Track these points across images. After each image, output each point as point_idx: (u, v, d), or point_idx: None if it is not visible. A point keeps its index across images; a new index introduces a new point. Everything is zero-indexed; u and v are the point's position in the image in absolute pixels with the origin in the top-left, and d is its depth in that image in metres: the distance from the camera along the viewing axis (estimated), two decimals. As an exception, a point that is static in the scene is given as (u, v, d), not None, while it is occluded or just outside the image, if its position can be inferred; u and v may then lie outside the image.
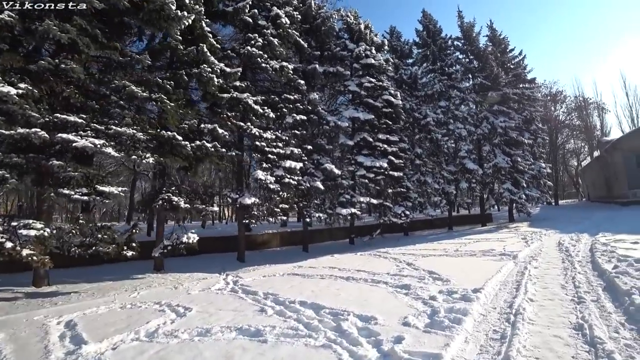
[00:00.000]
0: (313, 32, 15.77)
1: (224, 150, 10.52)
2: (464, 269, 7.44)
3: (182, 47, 9.97)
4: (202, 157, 10.32)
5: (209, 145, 10.11)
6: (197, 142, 10.03)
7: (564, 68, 78.23)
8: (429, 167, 19.19)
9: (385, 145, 15.46)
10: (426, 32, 22.98)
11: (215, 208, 10.71)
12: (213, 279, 8.69)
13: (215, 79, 10.39)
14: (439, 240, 14.21)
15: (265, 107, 12.09)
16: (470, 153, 19.76)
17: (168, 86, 9.36)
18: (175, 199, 9.68)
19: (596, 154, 39.12)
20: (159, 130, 9.28)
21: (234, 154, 11.41)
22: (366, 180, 14.76)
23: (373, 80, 15.51)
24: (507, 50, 25.47)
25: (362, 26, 16.57)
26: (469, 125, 20.42)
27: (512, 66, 25.13)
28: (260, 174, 11.35)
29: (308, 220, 14.45)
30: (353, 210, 14.15)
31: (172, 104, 9.30)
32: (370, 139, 15.23)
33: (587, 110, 41.11)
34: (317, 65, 14.47)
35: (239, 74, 11.22)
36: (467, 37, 23.64)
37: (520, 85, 24.50)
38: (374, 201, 15.01)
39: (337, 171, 13.75)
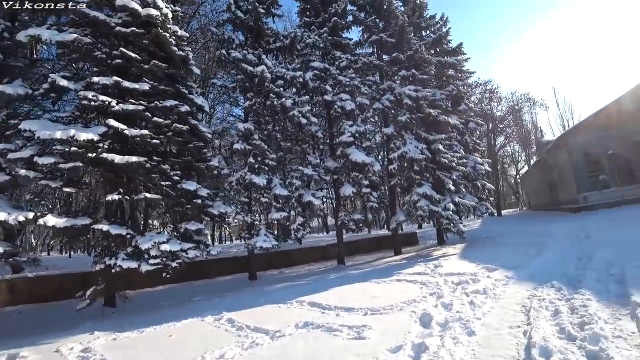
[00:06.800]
0: None
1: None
2: None
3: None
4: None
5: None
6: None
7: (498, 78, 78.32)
8: (269, 160, 10.33)
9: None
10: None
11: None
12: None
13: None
14: (276, 304, 5.59)
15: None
16: (363, 138, 11.82)
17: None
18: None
19: (534, 160, 35.15)
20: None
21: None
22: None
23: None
24: (425, 15, 18.90)
25: None
26: (363, 98, 12.69)
27: (431, 34, 18.60)
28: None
29: None
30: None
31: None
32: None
33: (520, 113, 37.08)
34: None
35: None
36: (366, -13, 16.59)
37: (445, 58, 17.80)
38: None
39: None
